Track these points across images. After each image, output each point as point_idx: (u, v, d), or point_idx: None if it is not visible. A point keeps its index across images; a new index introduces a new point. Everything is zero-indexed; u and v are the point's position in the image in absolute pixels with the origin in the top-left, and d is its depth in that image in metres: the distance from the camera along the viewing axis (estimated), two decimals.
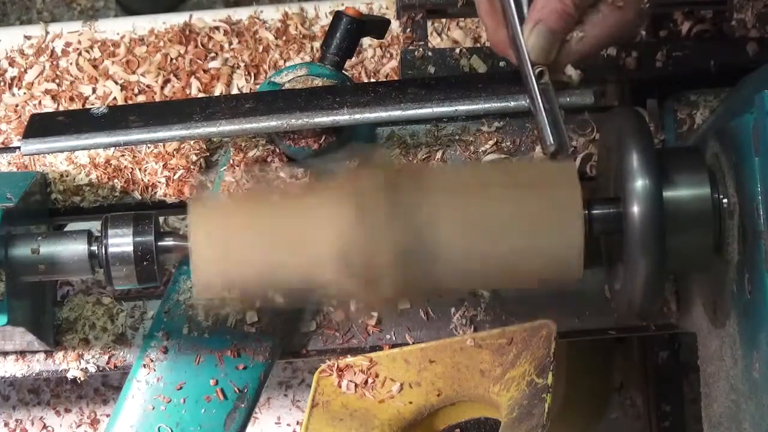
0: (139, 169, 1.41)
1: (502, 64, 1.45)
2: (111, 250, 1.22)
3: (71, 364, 1.40)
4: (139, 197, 1.41)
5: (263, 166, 1.36)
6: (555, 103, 1.21)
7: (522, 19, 1.20)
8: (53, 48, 1.53)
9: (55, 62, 1.52)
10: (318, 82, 1.35)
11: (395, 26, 1.54)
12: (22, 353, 1.40)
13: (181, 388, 1.36)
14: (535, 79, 1.20)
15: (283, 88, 1.36)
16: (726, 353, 1.23)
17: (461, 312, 1.41)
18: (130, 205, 1.40)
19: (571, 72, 1.22)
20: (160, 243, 1.23)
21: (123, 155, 1.41)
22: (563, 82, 1.23)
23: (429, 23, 1.53)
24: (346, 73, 1.41)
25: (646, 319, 1.42)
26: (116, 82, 1.50)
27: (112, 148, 1.40)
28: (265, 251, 1.18)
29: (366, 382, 1.41)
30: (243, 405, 1.37)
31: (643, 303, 1.19)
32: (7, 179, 1.34)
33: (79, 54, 1.52)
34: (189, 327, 1.37)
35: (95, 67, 1.52)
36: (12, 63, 1.53)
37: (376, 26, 1.41)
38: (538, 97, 1.21)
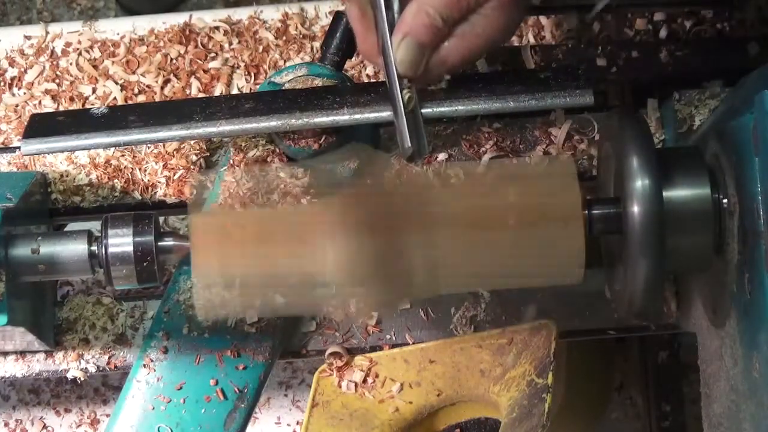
0: (139, 169, 1.41)
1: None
2: (111, 250, 1.22)
3: (71, 364, 1.40)
4: (139, 197, 1.41)
5: (263, 166, 1.36)
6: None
7: (392, 29, 1.20)
8: (53, 48, 1.53)
9: (55, 62, 1.52)
10: (318, 82, 1.35)
11: None
12: (22, 353, 1.40)
13: (181, 388, 1.36)
14: (401, 92, 1.21)
15: (283, 88, 1.36)
16: (726, 353, 1.23)
17: (461, 312, 1.41)
18: (130, 205, 1.41)
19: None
20: (160, 243, 1.23)
21: (123, 155, 1.41)
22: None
23: None
24: (346, 73, 1.41)
25: (646, 319, 1.42)
26: (116, 82, 1.50)
27: (112, 148, 1.41)
28: (265, 251, 1.18)
29: (366, 382, 1.41)
30: (243, 405, 1.37)
31: (643, 303, 1.19)
32: (7, 179, 1.34)
33: (79, 54, 1.52)
34: (189, 327, 1.37)
35: (95, 67, 1.52)
36: (12, 63, 1.53)
37: None
38: (401, 103, 1.21)
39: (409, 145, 1.20)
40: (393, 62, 1.20)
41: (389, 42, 1.20)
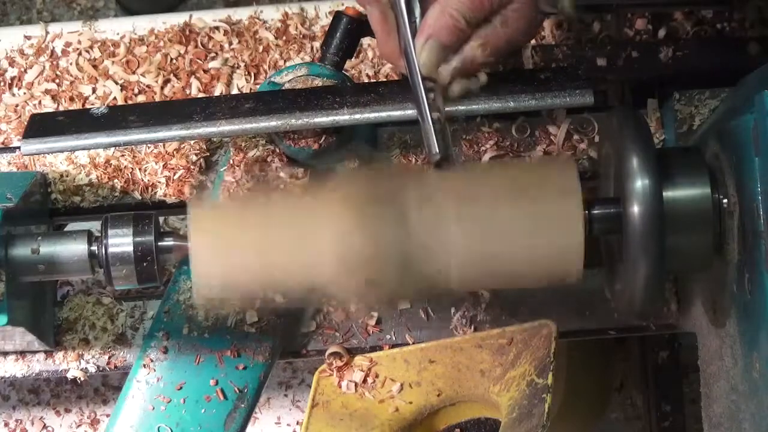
0: (139, 169, 1.41)
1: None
2: (111, 250, 1.22)
3: (71, 364, 1.40)
4: (139, 197, 1.41)
5: (263, 166, 1.36)
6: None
7: (414, 32, 1.19)
8: (53, 48, 1.53)
9: (55, 62, 1.52)
10: (318, 82, 1.35)
11: None
12: (22, 353, 1.40)
13: (181, 388, 1.36)
14: (425, 91, 1.19)
15: (283, 88, 1.36)
16: (726, 353, 1.23)
17: (461, 312, 1.41)
18: (130, 205, 1.41)
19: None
20: (160, 243, 1.23)
21: (123, 155, 1.41)
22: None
23: None
24: (346, 73, 1.41)
25: (646, 319, 1.42)
26: (116, 82, 1.50)
27: (112, 148, 1.41)
28: (265, 251, 1.19)
29: (366, 382, 1.41)
30: (243, 405, 1.37)
31: (643, 303, 1.19)
32: (7, 179, 1.34)
33: (79, 54, 1.52)
34: (189, 327, 1.37)
35: (95, 67, 1.52)
36: (12, 63, 1.53)
37: None
38: (427, 108, 1.19)
39: (437, 150, 1.19)
40: (417, 65, 1.19)
41: (412, 45, 1.19)
